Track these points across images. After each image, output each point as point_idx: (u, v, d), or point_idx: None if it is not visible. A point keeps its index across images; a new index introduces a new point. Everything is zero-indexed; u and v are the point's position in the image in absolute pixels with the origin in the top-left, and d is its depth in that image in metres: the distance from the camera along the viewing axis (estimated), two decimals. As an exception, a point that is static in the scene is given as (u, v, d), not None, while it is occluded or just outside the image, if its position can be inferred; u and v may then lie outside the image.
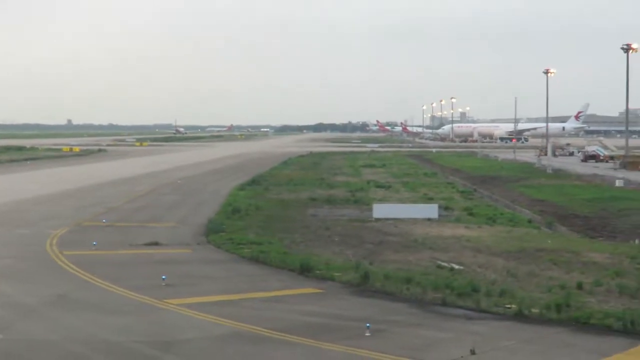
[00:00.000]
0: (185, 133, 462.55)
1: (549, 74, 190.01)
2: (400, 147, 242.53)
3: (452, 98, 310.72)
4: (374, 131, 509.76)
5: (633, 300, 32.39)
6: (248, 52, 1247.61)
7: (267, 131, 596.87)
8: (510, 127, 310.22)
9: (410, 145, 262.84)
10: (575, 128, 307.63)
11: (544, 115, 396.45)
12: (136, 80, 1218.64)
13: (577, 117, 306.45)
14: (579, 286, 34.52)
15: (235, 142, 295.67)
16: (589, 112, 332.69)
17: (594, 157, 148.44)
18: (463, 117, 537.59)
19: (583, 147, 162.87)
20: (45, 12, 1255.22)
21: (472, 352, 24.32)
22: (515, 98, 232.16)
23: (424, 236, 49.86)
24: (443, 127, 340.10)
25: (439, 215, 59.27)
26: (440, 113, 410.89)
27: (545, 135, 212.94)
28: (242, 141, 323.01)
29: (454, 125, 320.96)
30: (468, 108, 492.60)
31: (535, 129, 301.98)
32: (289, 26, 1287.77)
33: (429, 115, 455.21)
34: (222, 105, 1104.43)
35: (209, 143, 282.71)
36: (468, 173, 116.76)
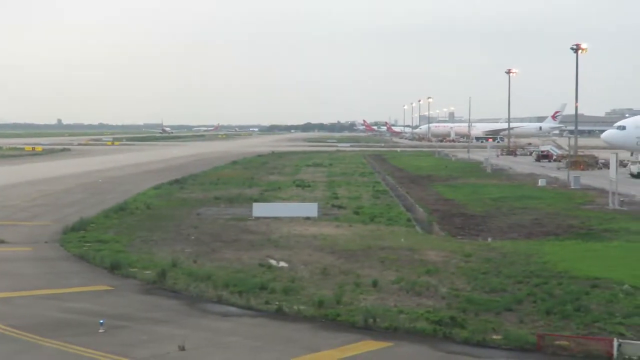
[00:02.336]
0: (172, 133, 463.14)
1: (510, 74, 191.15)
2: (372, 146, 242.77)
3: (428, 98, 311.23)
4: (361, 130, 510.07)
5: (418, 297, 32.66)
6: (237, 52, 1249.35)
7: (253, 131, 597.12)
8: (487, 126, 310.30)
9: (383, 144, 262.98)
10: (552, 128, 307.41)
11: (524, 115, 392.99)
12: (127, 80, 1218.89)
13: (554, 117, 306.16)
14: (374, 284, 34.78)
15: (211, 142, 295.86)
16: (579, 111, 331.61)
17: (546, 157, 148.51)
18: (451, 117, 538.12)
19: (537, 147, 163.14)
20: (36, 11, 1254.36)
21: (182, 348, 24.59)
22: (470, 98, 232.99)
23: (284, 234, 50.25)
24: (420, 127, 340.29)
25: (323, 214, 59.56)
26: (427, 112, 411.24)
27: (507, 136, 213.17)
28: (221, 141, 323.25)
29: (432, 125, 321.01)
30: (452, 108, 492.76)
31: (512, 128, 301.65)
32: (279, 26, 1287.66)
33: (418, 114, 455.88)
34: (211, 105, 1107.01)
35: (184, 143, 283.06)
36: (408, 173, 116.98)
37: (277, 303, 30.58)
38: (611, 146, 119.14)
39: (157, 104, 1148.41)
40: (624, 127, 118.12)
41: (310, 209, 59.22)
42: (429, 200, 76.20)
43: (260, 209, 58.95)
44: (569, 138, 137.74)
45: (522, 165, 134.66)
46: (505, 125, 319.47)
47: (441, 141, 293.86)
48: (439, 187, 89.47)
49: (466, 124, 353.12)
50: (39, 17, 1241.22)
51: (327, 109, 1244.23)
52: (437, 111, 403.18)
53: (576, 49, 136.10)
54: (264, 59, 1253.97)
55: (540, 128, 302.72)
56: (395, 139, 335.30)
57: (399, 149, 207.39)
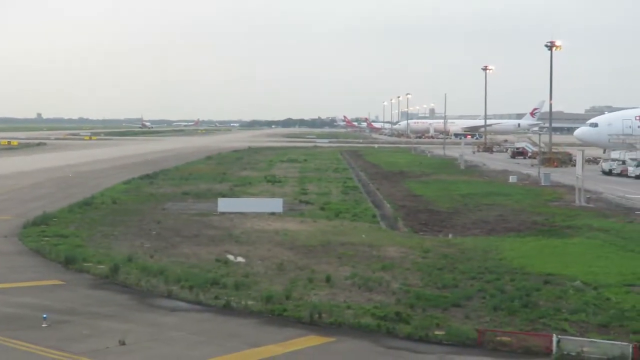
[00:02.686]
0: (152, 127, 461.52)
1: (487, 71, 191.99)
2: (350, 142, 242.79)
3: (407, 94, 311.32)
4: (341, 126, 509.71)
5: (369, 293, 32.73)
6: (218, 48, 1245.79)
7: (233, 126, 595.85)
8: (466, 123, 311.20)
9: (361, 140, 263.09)
10: (530, 125, 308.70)
11: (501, 112, 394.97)
12: (108, 75, 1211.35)
13: (532, 114, 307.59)
14: (328, 279, 34.82)
15: (190, 137, 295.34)
16: (557, 109, 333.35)
17: (522, 154, 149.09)
18: (432, 113, 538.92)
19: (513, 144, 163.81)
20: (16, 5, 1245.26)
21: (122, 343, 24.53)
22: (445, 94, 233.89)
23: (246, 230, 50.25)
24: (399, 123, 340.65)
25: (290, 210, 59.59)
26: (407, 109, 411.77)
27: (484, 133, 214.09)
28: (200, 136, 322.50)
29: (412, 121, 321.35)
30: (433, 104, 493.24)
31: (490, 125, 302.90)
32: (260, 22, 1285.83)
33: (398, 111, 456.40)
34: (192, 101, 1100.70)
35: (163, 138, 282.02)
36: (382, 169, 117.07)
37: (225, 298, 30.50)
38: (584, 143, 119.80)
39: (138, 99, 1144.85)
40: (596, 125, 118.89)
41: (275, 205, 59.21)
42: (398, 196, 76.33)
43: (225, 205, 58.86)
44: (539, 135, 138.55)
45: (497, 162, 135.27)
46: (484, 122, 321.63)
47: (420, 137, 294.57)
48: (410, 184, 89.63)
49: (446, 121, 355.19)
50: (18, 10, 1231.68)
51: (309, 105, 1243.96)
52: (417, 107, 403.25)
53: (550, 46, 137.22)
54: (245, 54, 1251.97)
55: (519, 125, 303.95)
56: (374, 135, 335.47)
57: (376, 145, 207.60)
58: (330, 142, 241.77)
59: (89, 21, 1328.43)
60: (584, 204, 67.45)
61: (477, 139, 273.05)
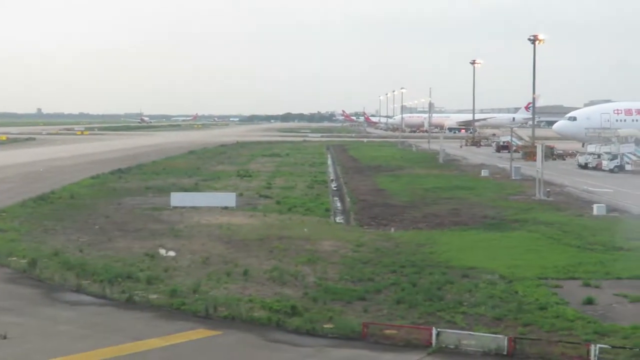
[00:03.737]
0: (150, 122, 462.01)
1: (475, 65, 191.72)
2: (342, 137, 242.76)
3: (401, 88, 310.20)
4: (340, 121, 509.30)
5: (281, 286, 32.85)
6: (218, 43, 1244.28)
7: (232, 121, 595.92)
8: (460, 117, 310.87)
9: (354, 135, 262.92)
10: (525, 119, 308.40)
11: (499, 106, 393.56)
12: (108, 70, 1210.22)
13: (527, 108, 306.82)
14: (245, 273, 34.97)
15: (184, 132, 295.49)
16: (557, 102, 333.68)
17: (506, 148, 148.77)
18: (432, 108, 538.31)
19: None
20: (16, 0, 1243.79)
21: (3, 337, 24.67)
22: (430, 88, 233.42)
23: (190, 224, 50.44)
24: (394, 117, 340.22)
25: (247, 204, 59.86)
26: (406, 103, 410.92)
27: (473, 126, 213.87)
28: (195, 131, 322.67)
29: (406, 115, 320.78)
30: (430, 99, 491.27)
31: (485, 119, 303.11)
32: (260, 16, 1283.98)
33: (397, 105, 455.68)
34: (193, 95, 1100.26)
35: (157, 132, 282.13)
36: (360, 163, 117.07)
37: (129, 292, 30.63)
38: (562, 136, 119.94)
39: (138, 94, 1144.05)
40: (574, 118, 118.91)
41: (228, 199, 59.37)
42: (362, 190, 76.37)
43: (178, 199, 59.04)
44: (512, 129, 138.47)
45: (480, 156, 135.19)
46: (478, 116, 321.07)
47: (414, 132, 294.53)
48: (381, 178, 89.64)
49: (440, 115, 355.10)
50: (18, 5, 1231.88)
51: (309, 100, 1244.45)
52: (415, 102, 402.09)
53: (533, 40, 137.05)
54: (245, 50, 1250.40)
55: (514, 119, 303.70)
56: (368, 130, 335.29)
57: (365, 140, 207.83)
58: (322, 136, 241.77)
59: (89, 16, 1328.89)
60: (543, 197, 67.46)
61: (471, 133, 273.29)
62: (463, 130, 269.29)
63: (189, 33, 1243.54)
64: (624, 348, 23.28)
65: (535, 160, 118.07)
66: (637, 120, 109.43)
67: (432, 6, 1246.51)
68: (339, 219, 56.95)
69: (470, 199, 67.01)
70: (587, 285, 33.42)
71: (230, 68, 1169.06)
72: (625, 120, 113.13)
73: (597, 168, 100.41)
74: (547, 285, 33.32)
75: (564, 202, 65.30)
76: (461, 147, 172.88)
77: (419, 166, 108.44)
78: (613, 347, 23.38)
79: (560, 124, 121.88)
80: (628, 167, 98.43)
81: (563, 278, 34.91)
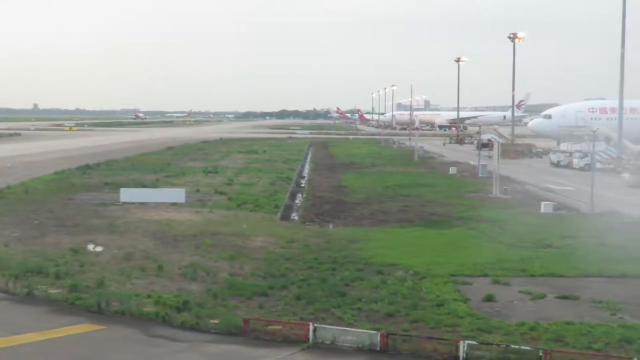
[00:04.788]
0: (145, 118, 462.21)
1: (459, 62, 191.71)
2: (331, 134, 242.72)
3: (392, 86, 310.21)
4: (335, 118, 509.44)
5: (189, 282, 32.85)
6: (215, 40, 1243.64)
7: (227, 117, 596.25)
8: (451, 115, 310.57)
9: (343, 132, 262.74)
10: (516, 117, 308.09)
11: (490, 104, 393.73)
12: (105, 66, 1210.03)
13: (518, 106, 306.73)
14: (160, 268, 34.98)
15: (174, 128, 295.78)
16: (554, 100, 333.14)
17: (487, 146, 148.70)
18: (427, 105, 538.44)
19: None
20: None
21: None
22: (411, 85, 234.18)
23: (131, 220, 50.34)
24: (385, 115, 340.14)
25: (200, 200, 59.98)
26: (403, 100, 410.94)
27: (458, 125, 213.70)
28: (186, 127, 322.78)
29: (397, 113, 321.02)
30: (424, 96, 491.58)
31: (475, 117, 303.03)
32: (256, 14, 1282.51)
33: (392, 102, 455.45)
34: (189, 92, 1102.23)
35: (146, 128, 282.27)
36: (335, 160, 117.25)
37: (28, 287, 30.62)
38: (537, 134, 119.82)
39: (134, 90, 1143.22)
40: (549, 116, 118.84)
41: (177, 195, 59.37)
42: (324, 187, 76.42)
43: (127, 195, 59.02)
44: (495, 128, 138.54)
45: (459, 153, 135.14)
46: (469, 114, 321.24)
47: (404, 129, 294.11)
48: (348, 175, 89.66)
49: (431, 112, 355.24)
50: (15, 1, 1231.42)
51: (305, 97, 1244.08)
52: (409, 99, 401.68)
53: (513, 37, 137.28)
54: (241, 47, 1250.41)
55: (505, 117, 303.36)
56: (360, 127, 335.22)
57: (351, 137, 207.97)
58: (310, 133, 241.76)
59: (85, 12, 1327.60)
60: (499, 195, 67.48)
61: (460, 130, 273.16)
62: (453, 128, 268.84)
63: (186, 30, 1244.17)
64: (491, 344, 23.25)
65: (512, 158, 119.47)
66: (612, 119, 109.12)
67: (432, 4, 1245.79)
68: (282, 215, 56.66)
69: (426, 196, 66.94)
70: (496, 282, 33.39)
71: (227, 65, 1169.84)
72: (600, 119, 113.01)
73: (569, 166, 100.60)
74: (457, 282, 33.27)
75: (518, 199, 65.30)
76: (444, 144, 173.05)
77: (393, 163, 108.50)
78: (481, 343, 23.36)
79: (535, 122, 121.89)
80: (598, 166, 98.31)
81: (477, 275, 34.88)
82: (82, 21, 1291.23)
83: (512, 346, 22.96)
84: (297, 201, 66.08)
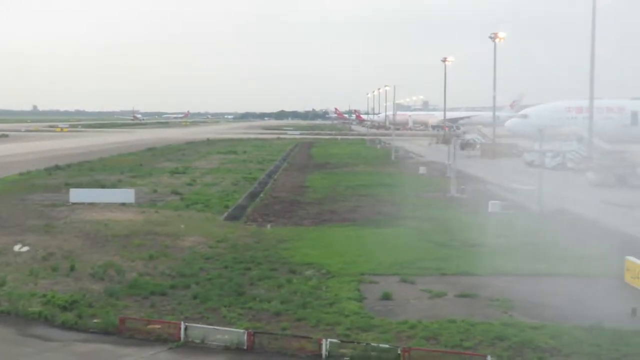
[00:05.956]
0: (142, 120, 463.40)
1: (446, 62, 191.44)
2: (321, 134, 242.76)
3: (385, 86, 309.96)
4: (333, 119, 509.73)
5: (93, 282, 32.95)
6: (215, 40, 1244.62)
7: (225, 118, 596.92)
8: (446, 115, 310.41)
9: (334, 132, 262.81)
10: (509, 116, 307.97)
11: (487, 104, 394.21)
12: (104, 67, 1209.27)
13: (511, 106, 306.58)
14: (72, 269, 35.03)
15: (168, 129, 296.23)
16: (549, 100, 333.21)
17: (469, 145, 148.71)
18: (426, 105, 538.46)
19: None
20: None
21: None
22: (394, 86, 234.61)
23: (72, 220, 50.42)
24: (378, 115, 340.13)
25: (154, 200, 60.23)
26: (401, 100, 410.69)
27: (442, 122, 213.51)
28: (180, 128, 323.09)
29: (390, 113, 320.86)
30: (421, 97, 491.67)
31: (469, 117, 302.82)
32: (257, 15, 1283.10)
33: (390, 103, 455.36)
34: (188, 93, 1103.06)
35: (139, 129, 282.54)
36: (313, 160, 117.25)
37: None
38: (514, 134, 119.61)
39: (134, 92, 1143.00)
40: (526, 116, 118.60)
41: (127, 195, 59.45)
42: (287, 187, 76.49)
43: (77, 195, 59.11)
44: (478, 128, 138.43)
45: (440, 153, 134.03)
46: (463, 114, 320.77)
47: (398, 129, 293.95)
48: (316, 175, 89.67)
49: (425, 113, 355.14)
50: (14, 2, 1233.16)
51: (304, 97, 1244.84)
52: (408, 99, 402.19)
53: (494, 37, 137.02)
54: (240, 47, 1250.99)
55: (499, 117, 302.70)
56: (354, 127, 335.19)
57: (339, 137, 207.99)
58: (301, 133, 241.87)
59: (85, 13, 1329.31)
60: (456, 194, 67.45)
61: (454, 130, 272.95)
62: (447, 128, 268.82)
63: (185, 31, 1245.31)
64: (352, 342, 23.25)
65: (491, 158, 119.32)
66: (588, 118, 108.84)
67: (432, 3, 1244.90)
68: (228, 215, 56.48)
69: (382, 196, 66.88)
70: (404, 281, 33.37)
71: (227, 66, 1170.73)
72: (576, 118, 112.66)
73: (542, 166, 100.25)
74: (364, 281, 33.28)
75: (472, 199, 65.14)
76: (430, 145, 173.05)
77: (368, 163, 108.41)
78: (342, 341, 23.36)
79: (512, 122, 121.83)
80: (570, 165, 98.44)
81: (388, 274, 34.86)
82: (81, 22, 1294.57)
83: (372, 344, 22.93)
84: (252, 201, 66.00)
